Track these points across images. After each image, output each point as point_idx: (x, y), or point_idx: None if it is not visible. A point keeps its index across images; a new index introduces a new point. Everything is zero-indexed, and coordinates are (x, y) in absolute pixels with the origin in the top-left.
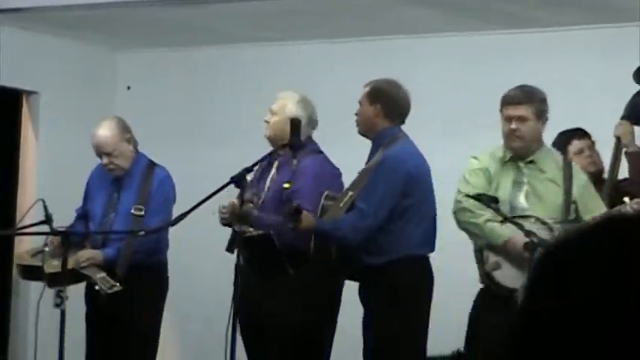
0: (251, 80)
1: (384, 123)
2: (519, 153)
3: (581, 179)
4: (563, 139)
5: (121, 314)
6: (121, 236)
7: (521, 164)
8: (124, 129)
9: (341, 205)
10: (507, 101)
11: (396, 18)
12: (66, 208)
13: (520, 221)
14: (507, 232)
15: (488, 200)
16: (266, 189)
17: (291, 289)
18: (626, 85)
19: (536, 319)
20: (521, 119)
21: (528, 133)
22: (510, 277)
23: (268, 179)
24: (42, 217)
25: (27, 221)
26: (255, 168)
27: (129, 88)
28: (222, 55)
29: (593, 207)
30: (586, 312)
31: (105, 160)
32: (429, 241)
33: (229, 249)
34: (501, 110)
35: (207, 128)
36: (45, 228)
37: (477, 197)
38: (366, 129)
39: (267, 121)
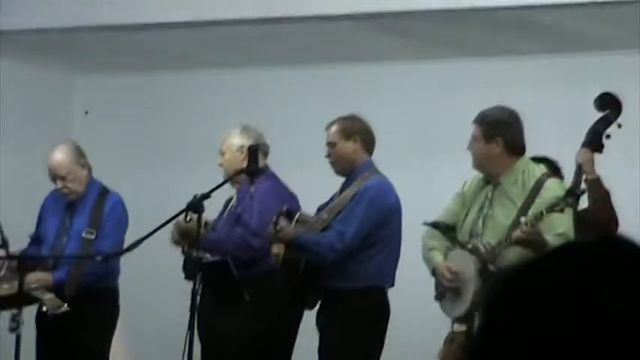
0: (209, 105)
1: (363, 156)
2: (479, 171)
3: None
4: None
5: (70, 338)
6: (73, 260)
7: (489, 186)
8: (79, 153)
9: (314, 227)
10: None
11: (362, 45)
12: (22, 232)
13: (476, 245)
14: (438, 259)
15: (445, 228)
16: (225, 213)
17: (246, 311)
18: (588, 112)
19: (489, 348)
20: (473, 138)
21: (477, 153)
22: (448, 306)
23: (229, 205)
24: None
25: None
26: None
27: (87, 112)
28: (181, 80)
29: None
30: (538, 342)
31: (59, 184)
32: (392, 274)
33: (187, 277)
34: None
35: (165, 154)
36: (0, 252)
37: (434, 225)
38: (344, 166)
39: (221, 164)
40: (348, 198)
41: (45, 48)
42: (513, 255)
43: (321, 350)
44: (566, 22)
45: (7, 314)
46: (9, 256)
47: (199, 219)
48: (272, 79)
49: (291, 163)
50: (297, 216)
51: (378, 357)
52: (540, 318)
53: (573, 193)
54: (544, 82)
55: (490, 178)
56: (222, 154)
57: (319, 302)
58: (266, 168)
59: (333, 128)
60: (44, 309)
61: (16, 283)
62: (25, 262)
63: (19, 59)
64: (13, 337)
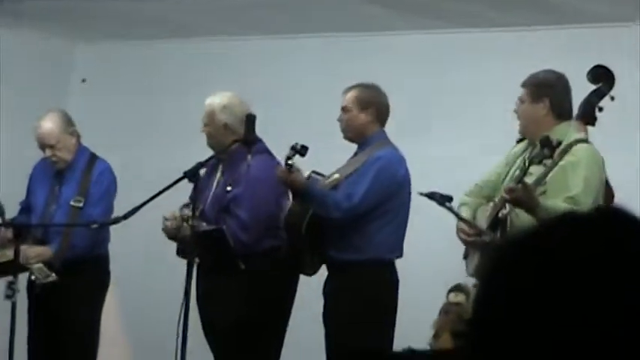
0: (208, 75)
1: (375, 128)
2: (525, 135)
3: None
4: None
5: (60, 307)
6: (62, 229)
7: (530, 149)
8: (68, 122)
9: (326, 182)
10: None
11: (350, 16)
12: (19, 200)
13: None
14: (464, 214)
15: (442, 199)
16: (211, 193)
17: (241, 283)
18: (581, 85)
19: (488, 322)
20: (520, 100)
21: (523, 115)
22: (469, 264)
23: (215, 182)
24: None
25: None
26: (210, 163)
27: (84, 80)
28: (179, 48)
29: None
30: (538, 314)
31: (48, 153)
32: (400, 246)
33: (180, 253)
34: None
35: (162, 122)
36: None
37: (430, 195)
38: (355, 135)
39: (206, 135)
40: (358, 164)
41: (45, 16)
42: (523, 214)
43: (325, 315)
44: None
45: (2, 282)
46: (5, 224)
47: (195, 188)
48: (271, 49)
49: (286, 133)
50: (308, 173)
51: (389, 329)
52: (536, 289)
53: (547, 143)
54: (537, 55)
55: (532, 141)
56: (205, 125)
57: (322, 273)
58: (259, 140)
59: (350, 94)
60: (32, 278)
61: (12, 251)
62: (20, 230)
63: (19, 27)
64: (9, 304)
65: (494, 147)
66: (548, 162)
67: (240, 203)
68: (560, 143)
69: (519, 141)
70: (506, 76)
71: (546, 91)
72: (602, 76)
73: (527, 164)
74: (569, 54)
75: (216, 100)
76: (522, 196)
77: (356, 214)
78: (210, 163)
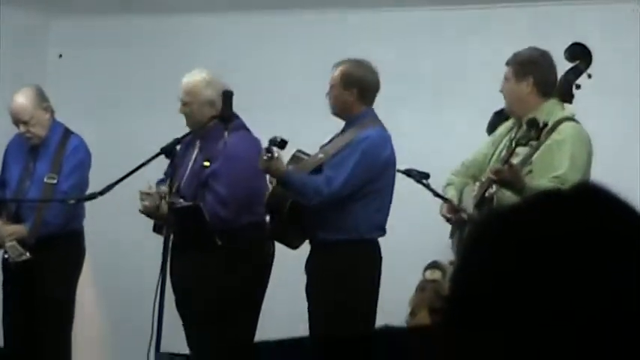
0: (184, 49)
1: (360, 107)
2: (509, 113)
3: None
4: (498, 119)
5: (34, 283)
6: (35, 206)
7: (515, 128)
8: (42, 97)
9: (309, 164)
10: None
11: None
12: None
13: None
14: (448, 195)
15: (419, 176)
16: (188, 169)
17: (217, 259)
18: (558, 63)
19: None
20: (505, 79)
21: (507, 93)
22: (453, 243)
23: (192, 158)
24: None
25: None
26: (186, 139)
27: (60, 56)
28: (156, 24)
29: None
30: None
31: (22, 129)
32: (382, 226)
33: (156, 230)
34: None
35: (139, 97)
36: None
37: (407, 172)
38: (341, 111)
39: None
40: (343, 143)
41: None
42: (510, 194)
43: (308, 291)
44: None
45: None
46: None
47: (171, 165)
48: (249, 24)
49: (269, 109)
50: (293, 152)
51: (372, 307)
52: (515, 264)
53: (534, 125)
54: (514, 32)
55: (517, 120)
56: (188, 104)
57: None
58: (234, 115)
59: (336, 72)
60: (5, 256)
61: None
62: None
63: None
64: None
65: (473, 126)
66: (535, 143)
67: (218, 178)
68: (546, 125)
69: (496, 114)
70: (485, 54)
71: (530, 68)
72: (579, 54)
73: (513, 145)
74: (547, 31)
75: (198, 76)
76: (508, 176)
77: (336, 199)
78: (187, 139)
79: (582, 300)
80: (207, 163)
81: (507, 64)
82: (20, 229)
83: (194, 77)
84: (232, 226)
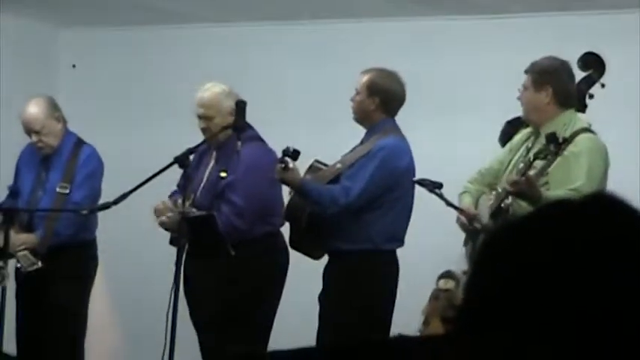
0: (196, 60)
1: (381, 116)
2: (528, 122)
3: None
4: (511, 128)
5: (47, 292)
6: (48, 215)
7: (532, 137)
8: (53, 107)
9: (326, 175)
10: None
11: (342, 1)
12: (7, 185)
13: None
14: (463, 202)
15: (432, 185)
16: (204, 180)
17: (230, 268)
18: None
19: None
20: (523, 87)
21: (525, 102)
22: (467, 252)
23: (208, 169)
24: None
25: None
26: (199, 149)
27: (74, 66)
28: (168, 34)
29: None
30: (529, 297)
31: (34, 138)
32: (400, 236)
33: (173, 243)
34: None
35: (151, 108)
36: None
37: (420, 182)
38: (362, 118)
39: (205, 128)
40: (362, 152)
41: (29, 1)
42: (526, 205)
43: (322, 297)
44: None
45: None
46: None
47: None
48: (261, 34)
49: (270, 121)
50: (311, 162)
51: (386, 316)
52: (527, 271)
53: (554, 139)
54: (528, 41)
55: (535, 128)
56: (211, 117)
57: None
58: (248, 126)
59: (364, 78)
60: (18, 265)
61: (1, 237)
62: (9, 215)
63: (5, 11)
64: None
65: (487, 135)
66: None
67: (234, 189)
68: (566, 140)
69: (508, 123)
70: (498, 63)
71: (549, 78)
72: (592, 63)
73: (531, 158)
74: (561, 41)
75: (217, 88)
76: (525, 188)
77: (354, 208)
78: (200, 149)
79: (595, 307)
80: (223, 174)
81: (526, 72)
82: (31, 238)
83: (213, 90)
84: (247, 237)
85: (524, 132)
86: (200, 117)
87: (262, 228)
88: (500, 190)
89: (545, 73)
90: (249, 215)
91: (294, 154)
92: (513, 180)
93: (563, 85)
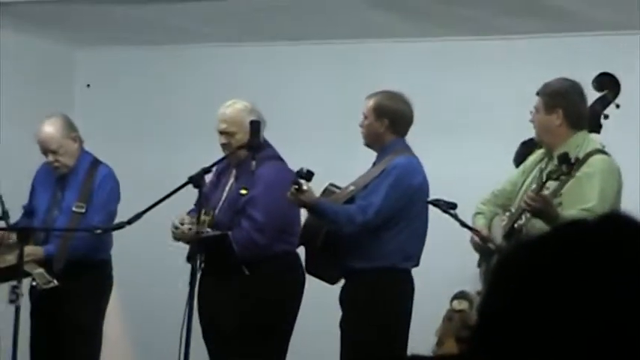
0: (209, 80)
1: (391, 137)
2: (541, 143)
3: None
4: (525, 149)
5: (62, 311)
6: (63, 234)
7: (546, 159)
8: (70, 126)
9: (341, 196)
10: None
11: (360, 22)
12: (22, 204)
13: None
14: (477, 224)
15: (446, 205)
16: (223, 197)
17: (245, 287)
18: (586, 92)
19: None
20: (535, 109)
21: (537, 124)
22: (481, 273)
23: (227, 187)
24: None
25: None
26: (214, 169)
27: (88, 86)
28: (183, 54)
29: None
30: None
31: (50, 158)
32: (416, 255)
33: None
34: None
35: (165, 127)
36: (1, 224)
37: (434, 202)
38: (372, 141)
39: (226, 144)
40: (375, 173)
41: (46, 20)
42: (539, 225)
43: (341, 321)
44: (564, 2)
45: (5, 286)
46: (9, 228)
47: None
48: (270, 55)
49: (288, 140)
50: (325, 186)
51: (403, 334)
52: (540, 294)
53: (566, 160)
54: (542, 63)
55: (548, 150)
56: (233, 133)
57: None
58: (267, 144)
59: (370, 102)
60: (34, 283)
61: (13, 256)
62: (24, 234)
63: (20, 31)
64: (12, 308)
65: (500, 155)
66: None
67: (255, 205)
68: (578, 159)
69: (523, 144)
70: (511, 84)
71: (560, 100)
72: (607, 84)
73: (544, 178)
74: (575, 61)
75: (239, 105)
76: (542, 206)
77: (370, 227)
78: (219, 168)
79: (610, 329)
80: (244, 191)
81: (537, 94)
82: (38, 250)
83: (235, 106)
84: (266, 253)
85: (537, 153)
86: (222, 132)
87: (280, 246)
88: (513, 210)
89: (556, 95)
90: (269, 231)
91: (308, 176)
92: (531, 196)
93: (575, 106)
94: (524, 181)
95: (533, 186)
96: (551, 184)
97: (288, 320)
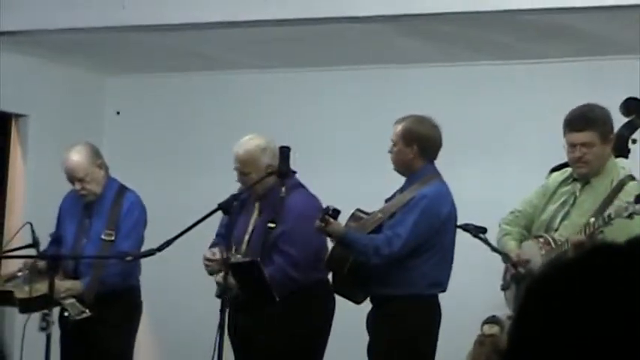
0: (240, 107)
1: (421, 163)
2: (586, 178)
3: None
4: None
5: (92, 339)
6: (93, 263)
7: (577, 184)
8: (96, 154)
9: (367, 224)
10: (570, 127)
11: (387, 47)
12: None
13: (548, 239)
14: (511, 246)
15: (476, 230)
16: (250, 230)
17: (279, 316)
18: (613, 117)
19: (523, 349)
20: (586, 145)
21: (595, 158)
22: (510, 297)
23: (252, 220)
24: (29, 241)
25: (14, 245)
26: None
27: (118, 113)
28: (212, 81)
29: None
30: (572, 344)
31: (77, 186)
32: (443, 282)
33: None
34: (564, 135)
35: (195, 154)
36: (32, 252)
37: (464, 227)
38: (402, 168)
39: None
40: (404, 201)
41: (78, 48)
42: None
43: (369, 348)
44: (591, 26)
45: (36, 314)
46: (40, 256)
47: (229, 221)
48: (298, 81)
49: (315, 167)
50: (353, 211)
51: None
52: (571, 321)
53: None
54: (569, 86)
55: (585, 178)
56: (247, 173)
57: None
58: (293, 172)
59: (398, 128)
60: (66, 314)
61: (44, 285)
62: (54, 262)
63: (50, 60)
64: (43, 336)
65: (526, 179)
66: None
67: (287, 240)
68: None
69: (553, 170)
70: (538, 108)
71: (611, 129)
72: (634, 109)
73: (612, 216)
74: (602, 86)
75: (252, 144)
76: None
77: (397, 258)
78: (242, 196)
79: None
80: (272, 225)
81: (588, 128)
82: (76, 285)
83: (247, 147)
84: (301, 285)
85: (555, 176)
86: (238, 171)
87: (314, 275)
88: (559, 240)
89: (608, 124)
90: (304, 264)
91: (334, 214)
92: (579, 241)
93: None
94: (546, 204)
95: (592, 220)
96: (586, 208)
97: (320, 347)
